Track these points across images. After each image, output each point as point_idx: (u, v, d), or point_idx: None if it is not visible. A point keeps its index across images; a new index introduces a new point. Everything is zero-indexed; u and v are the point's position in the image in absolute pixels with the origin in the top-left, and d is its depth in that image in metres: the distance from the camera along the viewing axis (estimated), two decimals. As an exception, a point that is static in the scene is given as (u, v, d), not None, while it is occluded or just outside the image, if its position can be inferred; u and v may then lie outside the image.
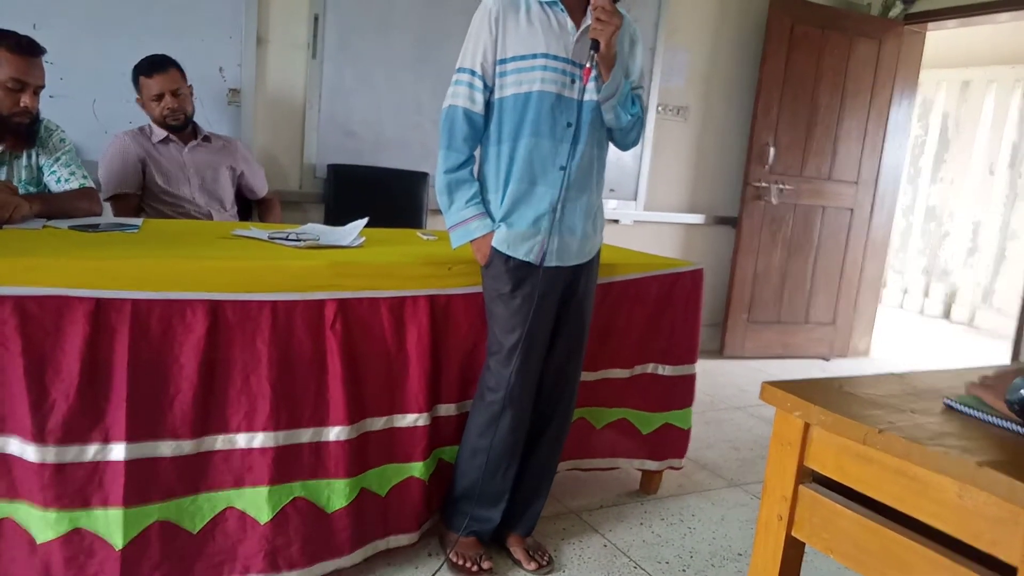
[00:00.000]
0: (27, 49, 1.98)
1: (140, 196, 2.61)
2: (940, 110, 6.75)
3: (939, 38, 4.85)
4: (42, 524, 1.45)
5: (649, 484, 2.46)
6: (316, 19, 3.11)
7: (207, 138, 2.74)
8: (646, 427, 2.34)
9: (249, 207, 2.99)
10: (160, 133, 2.62)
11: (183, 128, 2.66)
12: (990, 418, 1.13)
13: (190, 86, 2.66)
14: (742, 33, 4.25)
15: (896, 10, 4.39)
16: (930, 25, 4.41)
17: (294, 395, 1.66)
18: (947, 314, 6.65)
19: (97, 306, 1.45)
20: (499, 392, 1.81)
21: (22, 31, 2.04)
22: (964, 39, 5.72)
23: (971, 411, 1.15)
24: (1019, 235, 5.96)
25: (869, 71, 4.39)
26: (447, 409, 1.94)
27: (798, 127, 4.28)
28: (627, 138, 1.89)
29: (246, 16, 2.98)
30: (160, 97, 2.58)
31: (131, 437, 1.48)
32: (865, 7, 4.55)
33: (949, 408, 1.18)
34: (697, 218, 4.34)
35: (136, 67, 2.58)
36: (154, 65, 2.57)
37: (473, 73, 1.75)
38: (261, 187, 2.92)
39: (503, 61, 1.74)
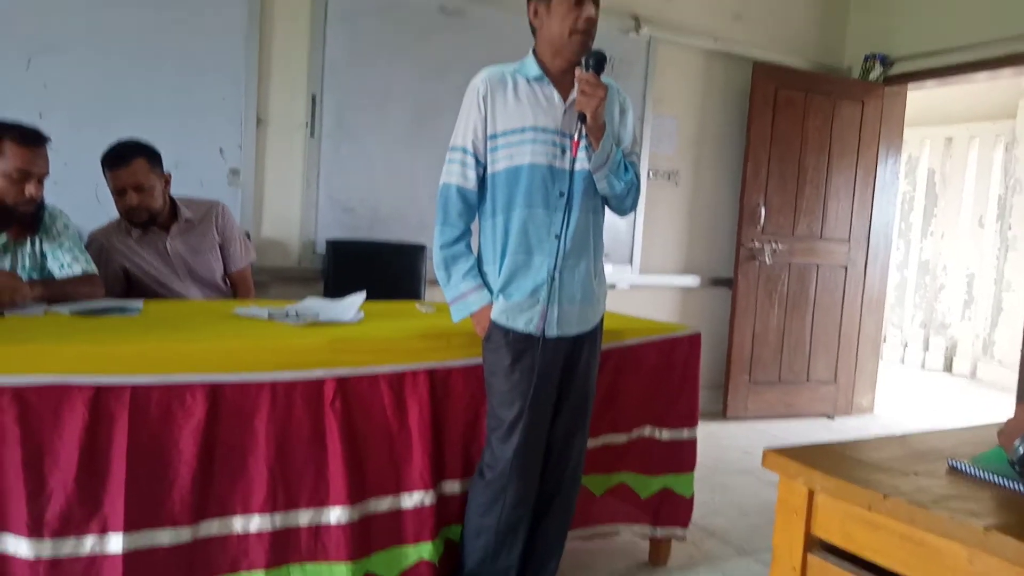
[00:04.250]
0: (32, 140, 2.04)
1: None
2: (926, 166, 6.89)
3: (920, 97, 4.99)
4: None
5: (657, 556, 2.40)
6: (314, 99, 3.21)
7: (189, 220, 2.59)
8: (644, 491, 2.30)
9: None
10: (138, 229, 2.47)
11: (149, 224, 2.48)
12: (995, 478, 1.12)
13: (167, 174, 2.51)
14: (727, 99, 4.37)
15: (876, 72, 4.54)
16: (910, 85, 4.55)
17: (292, 476, 1.64)
18: (949, 367, 6.62)
19: (96, 393, 1.45)
20: (499, 470, 1.79)
21: (28, 119, 2.10)
22: (945, 98, 5.89)
23: (976, 472, 1.15)
24: (1014, 286, 6.00)
25: (854, 131, 4.51)
26: (451, 486, 1.92)
27: (787, 188, 4.37)
28: (623, 204, 1.91)
29: (246, 98, 3.07)
30: (122, 192, 2.40)
31: (129, 526, 1.46)
32: (846, 71, 4.71)
33: (953, 469, 1.18)
34: (693, 280, 4.37)
35: (102, 156, 2.41)
36: (116, 157, 2.39)
37: (465, 151, 1.80)
38: (234, 260, 2.72)
39: (494, 136, 1.79)
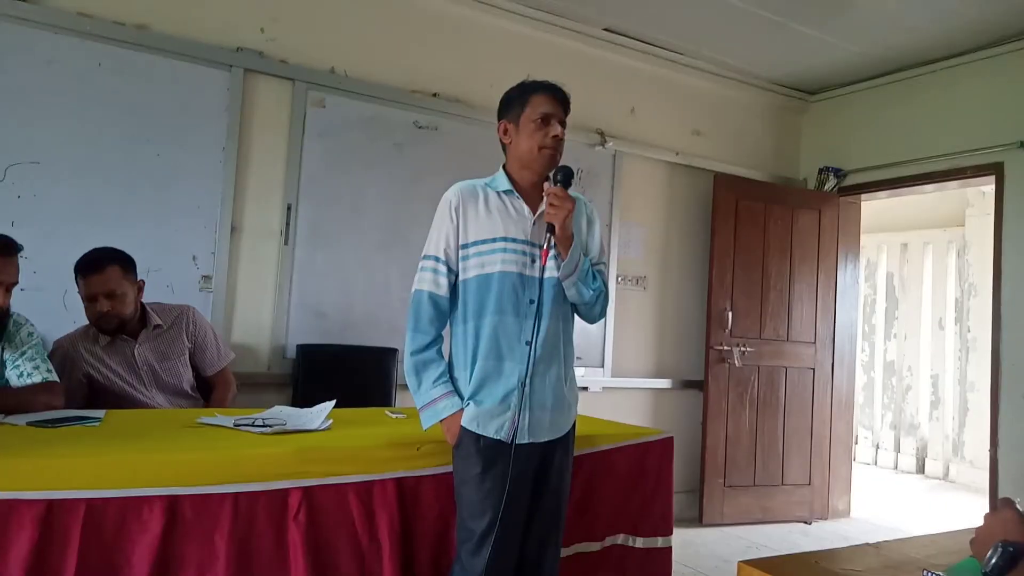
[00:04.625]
0: (3, 249, 2.04)
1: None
2: (884, 270, 7.14)
3: (875, 205, 5.24)
4: None
5: (635, 674, 2.28)
6: (289, 208, 3.27)
7: (158, 326, 2.57)
8: (623, 605, 2.22)
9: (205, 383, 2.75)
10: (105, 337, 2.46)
11: (118, 332, 2.47)
12: (971, 591, 1.10)
13: (141, 281, 2.52)
14: (691, 207, 4.54)
15: (830, 184, 4.78)
16: (863, 196, 4.79)
17: (253, 595, 1.57)
18: (921, 468, 6.61)
19: (48, 509, 1.39)
20: (470, 584, 1.72)
21: (1, 228, 2.11)
22: (898, 206, 6.18)
23: (951, 583, 1.13)
24: (977, 386, 6.10)
25: (813, 238, 4.68)
26: (419, 601, 1.84)
27: (753, 292, 4.48)
28: (592, 312, 1.95)
29: (222, 207, 3.11)
30: (94, 299, 2.40)
31: (72, 654, 1.37)
32: (801, 182, 4.95)
33: (929, 581, 1.16)
34: (664, 383, 4.39)
35: (76, 263, 2.42)
36: (90, 264, 2.40)
37: (437, 259, 1.84)
38: (211, 364, 2.71)
39: (465, 246, 1.84)
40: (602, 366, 4.16)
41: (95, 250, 2.46)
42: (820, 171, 4.82)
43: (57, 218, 2.80)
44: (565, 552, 2.11)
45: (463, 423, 1.78)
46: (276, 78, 3.25)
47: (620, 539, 2.24)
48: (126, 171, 2.94)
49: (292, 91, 3.28)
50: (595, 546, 2.20)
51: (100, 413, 2.07)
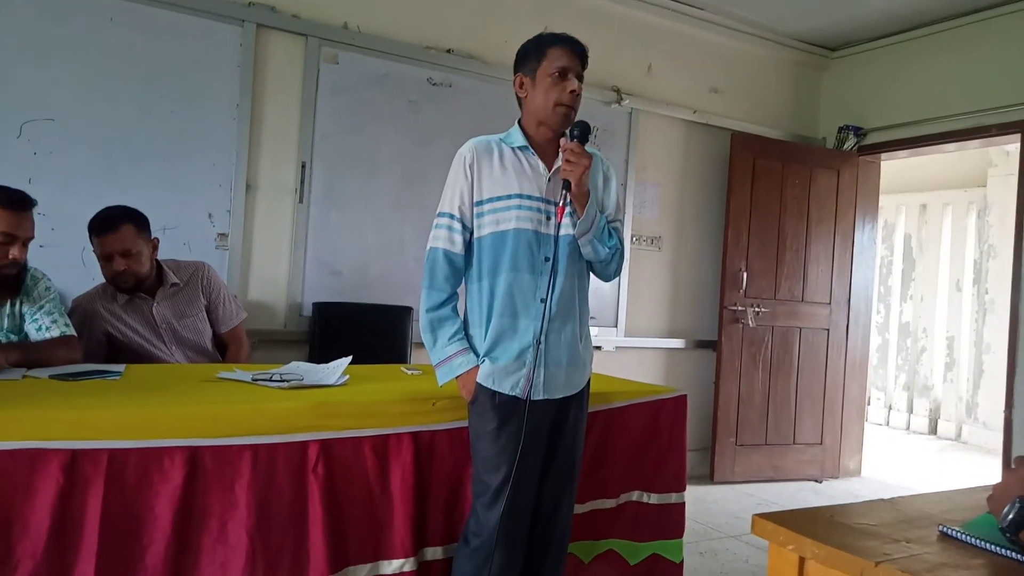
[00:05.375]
0: (18, 204, 2.05)
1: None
2: (902, 231, 7.05)
3: (895, 165, 5.15)
4: None
5: (647, 624, 2.33)
6: (303, 166, 3.25)
7: (175, 284, 2.58)
8: (633, 558, 2.25)
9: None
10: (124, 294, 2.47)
11: (135, 290, 2.48)
12: (987, 545, 1.11)
13: (155, 239, 2.52)
14: (707, 168, 4.49)
15: (850, 143, 4.69)
16: (883, 155, 4.70)
17: (272, 543, 1.60)
18: (934, 429, 6.62)
19: (72, 458, 1.42)
20: (484, 537, 1.75)
21: (18, 184, 2.12)
22: (918, 166, 6.08)
23: (968, 538, 1.14)
24: (993, 348, 6.07)
25: (831, 199, 4.62)
26: (434, 552, 1.87)
27: (768, 252, 4.44)
28: (607, 270, 1.94)
29: (236, 165, 3.11)
30: (110, 258, 2.40)
31: (99, 597, 1.41)
32: (820, 141, 4.86)
33: (944, 536, 1.16)
34: (678, 342, 4.39)
35: (89, 223, 2.42)
36: (104, 224, 2.39)
37: (452, 216, 1.83)
38: (224, 321, 2.72)
39: (480, 203, 1.82)
40: (616, 326, 4.17)
41: (108, 209, 2.46)
42: (840, 130, 4.73)
43: (73, 175, 2.81)
44: (581, 509, 2.14)
45: (479, 379, 1.78)
46: (289, 33, 3.21)
47: (635, 496, 2.26)
48: (140, 128, 2.93)
49: (305, 47, 3.24)
50: (610, 503, 2.23)
51: (120, 367, 2.10)
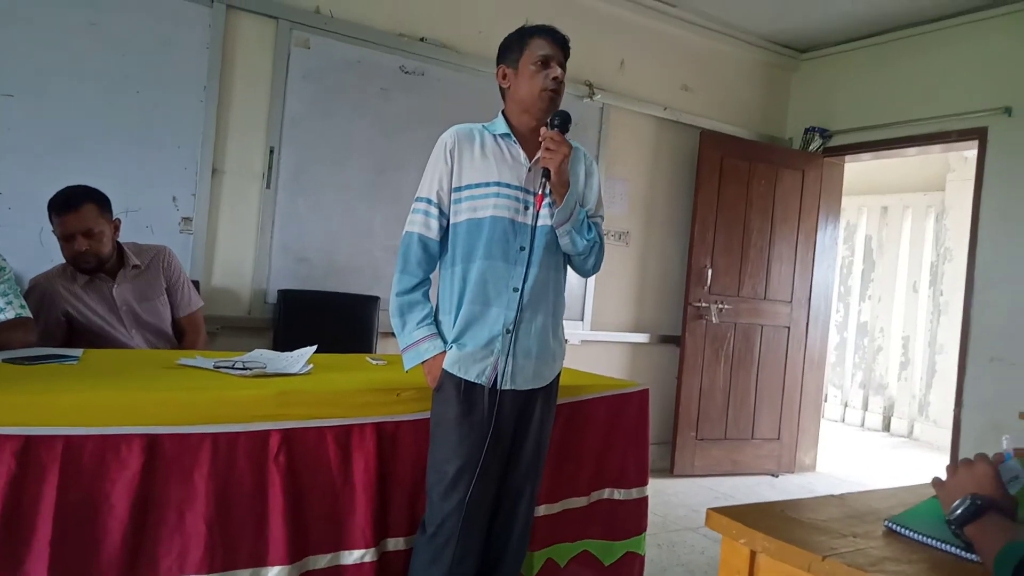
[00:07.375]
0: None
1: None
2: (863, 233, 7.21)
3: (858, 167, 5.26)
4: None
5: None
6: (272, 151, 3.21)
7: (136, 266, 2.54)
8: (608, 558, 2.27)
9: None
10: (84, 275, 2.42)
11: (96, 271, 2.44)
12: (929, 540, 1.15)
13: (116, 220, 2.47)
14: (676, 165, 4.53)
15: (815, 144, 4.78)
16: (847, 157, 4.80)
17: (231, 533, 1.59)
18: (887, 427, 6.81)
19: (26, 444, 1.39)
20: (440, 525, 1.75)
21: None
22: (880, 169, 6.22)
23: (911, 533, 1.18)
24: (946, 349, 6.25)
25: (795, 198, 4.71)
26: (395, 543, 1.87)
27: (733, 250, 4.51)
28: (586, 264, 1.93)
29: (203, 148, 3.06)
30: (71, 238, 2.35)
31: (52, 586, 1.39)
32: (787, 142, 4.94)
33: (890, 531, 1.21)
34: (642, 337, 4.44)
35: (49, 202, 2.36)
36: (65, 203, 2.35)
37: (429, 201, 1.82)
38: (181, 306, 2.67)
39: (458, 189, 1.82)
40: (582, 319, 4.20)
41: (69, 188, 2.40)
42: (806, 131, 4.81)
43: (33, 154, 2.73)
44: (554, 508, 2.15)
45: (445, 366, 1.78)
46: (259, 16, 3.16)
47: (606, 493, 2.28)
48: (104, 108, 2.86)
49: (276, 30, 3.20)
50: (582, 501, 2.23)
51: (78, 352, 2.06)
